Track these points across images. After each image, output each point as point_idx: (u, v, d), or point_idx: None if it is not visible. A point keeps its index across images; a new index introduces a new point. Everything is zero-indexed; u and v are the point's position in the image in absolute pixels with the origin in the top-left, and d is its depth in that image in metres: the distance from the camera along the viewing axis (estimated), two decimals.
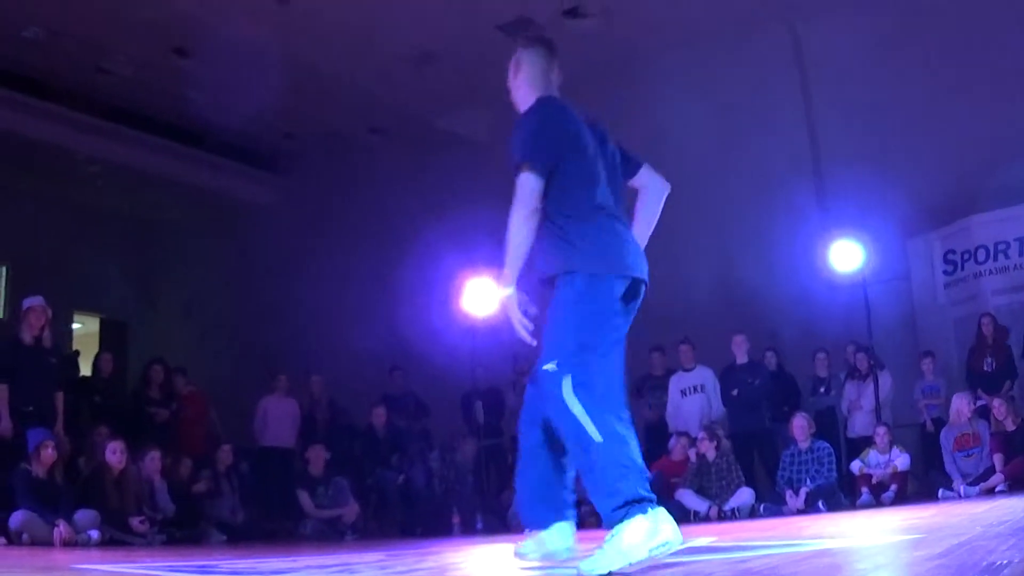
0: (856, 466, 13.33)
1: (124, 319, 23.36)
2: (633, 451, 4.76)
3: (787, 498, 12.90)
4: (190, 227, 23.83)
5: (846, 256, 14.67)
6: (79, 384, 14.86)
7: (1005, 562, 3.61)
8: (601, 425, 4.71)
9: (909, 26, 15.99)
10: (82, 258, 21.22)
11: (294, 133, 20.83)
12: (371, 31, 16.19)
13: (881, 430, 13.32)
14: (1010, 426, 12.68)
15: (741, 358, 14.56)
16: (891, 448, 13.23)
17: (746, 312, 15.79)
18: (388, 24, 16.04)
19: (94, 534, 10.92)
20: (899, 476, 13.00)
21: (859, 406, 14.49)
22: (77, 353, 17.61)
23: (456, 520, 13.96)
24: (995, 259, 15.12)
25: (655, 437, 14.98)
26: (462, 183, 17.34)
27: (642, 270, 5.11)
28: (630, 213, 5.38)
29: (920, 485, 13.77)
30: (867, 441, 13.66)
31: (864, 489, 12.97)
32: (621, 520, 4.57)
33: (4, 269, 21.21)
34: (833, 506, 12.63)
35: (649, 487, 4.67)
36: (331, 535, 13.50)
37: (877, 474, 13.10)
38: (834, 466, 13.14)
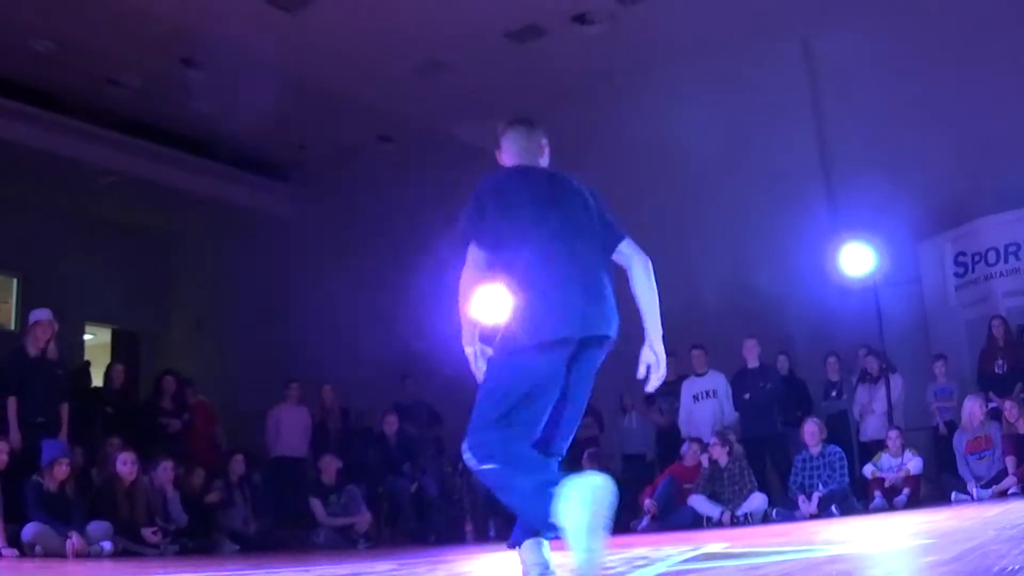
0: (868, 470, 13.31)
1: (136, 330, 23.40)
2: None
3: (799, 503, 12.87)
4: (202, 237, 23.86)
5: (857, 260, 14.66)
6: (91, 395, 14.89)
7: (1017, 567, 3.60)
8: None
9: (917, 31, 15.99)
10: (94, 269, 21.23)
11: (305, 143, 20.84)
12: (380, 41, 16.19)
13: (893, 434, 13.30)
14: (1022, 428, 12.65)
15: (753, 362, 14.54)
16: (903, 451, 13.20)
17: (758, 317, 15.77)
18: (397, 34, 16.03)
19: (106, 545, 10.95)
20: (912, 480, 12.96)
21: (871, 410, 14.45)
22: (88, 364, 17.63)
23: (469, 528, 13.97)
24: (1006, 261, 15.08)
25: (667, 443, 14.98)
26: (472, 191, 17.40)
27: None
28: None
29: (933, 488, 13.74)
30: (879, 445, 13.63)
31: (877, 493, 12.95)
32: None
33: (15, 281, 21.26)
34: (846, 510, 12.61)
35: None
36: (344, 544, 13.50)
37: (890, 478, 13.07)
38: (846, 470, 13.12)
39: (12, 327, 20.71)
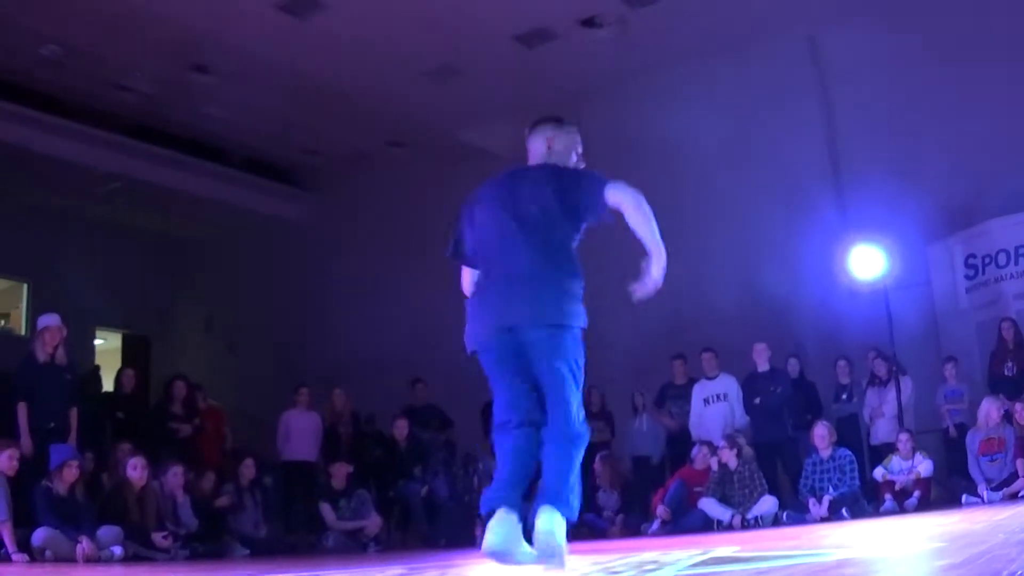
0: (879, 473, 13.27)
1: (147, 334, 23.44)
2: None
3: (810, 506, 12.85)
4: (212, 242, 23.90)
5: (867, 262, 14.67)
6: (101, 400, 14.90)
7: None
8: None
9: (925, 31, 15.98)
10: (104, 274, 21.28)
11: (315, 148, 20.89)
12: (390, 46, 16.21)
13: (904, 436, 13.27)
14: None
15: (763, 366, 14.51)
16: (914, 454, 13.17)
17: (768, 320, 15.75)
18: (407, 38, 16.06)
19: (117, 550, 10.94)
20: (922, 482, 12.93)
21: (880, 413, 14.41)
22: (98, 368, 17.66)
23: (479, 531, 13.93)
24: (1016, 263, 15.04)
25: (677, 446, 14.96)
26: None
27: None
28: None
29: (943, 491, 13.71)
30: (890, 448, 13.60)
31: (887, 496, 12.92)
32: None
33: (25, 286, 21.32)
34: (856, 513, 12.57)
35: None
36: (354, 548, 13.50)
37: (900, 481, 13.04)
38: (856, 473, 13.08)
39: (22, 332, 20.77)
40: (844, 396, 14.94)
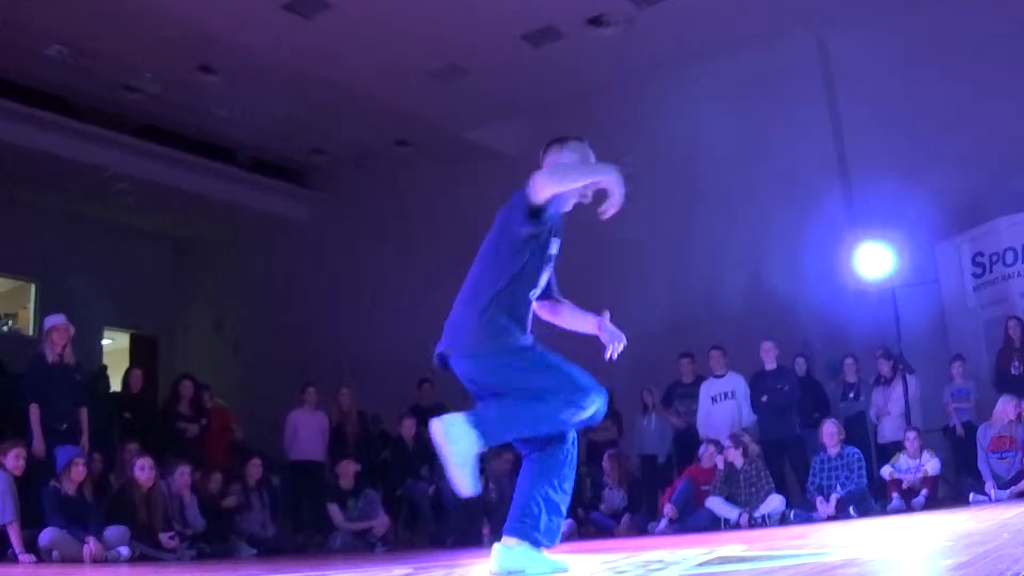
0: (886, 471, 13.26)
1: (154, 334, 23.48)
2: None
3: (817, 504, 12.83)
4: (220, 242, 23.94)
5: (875, 261, 14.67)
6: (108, 400, 14.92)
7: None
8: None
9: (933, 29, 15.99)
10: (112, 274, 21.33)
11: (322, 147, 20.87)
12: (396, 45, 16.20)
13: (911, 435, 13.25)
14: None
15: (770, 364, 14.50)
16: (921, 452, 13.15)
17: (776, 318, 15.75)
18: (413, 37, 16.04)
19: (124, 550, 10.96)
20: (930, 481, 12.92)
21: (886, 411, 14.41)
22: (104, 368, 17.68)
23: (486, 531, 13.94)
24: (1023, 261, 15.03)
25: (685, 445, 14.96)
26: (491, 195, 17.33)
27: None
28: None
29: (950, 489, 13.70)
30: (897, 446, 13.58)
31: (895, 494, 12.91)
32: None
33: (33, 287, 21.35)
34: (864, 512, 12.56)
35: None
36: (362, 547, 13.50)
37: (908, 479, 13.03)
38: (864, 472, 13.07)
39: (30, 332, 20.81)
40: (851, 395, 14.93)
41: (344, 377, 17.51)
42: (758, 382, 14.46)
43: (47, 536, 10.58)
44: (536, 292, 5.56)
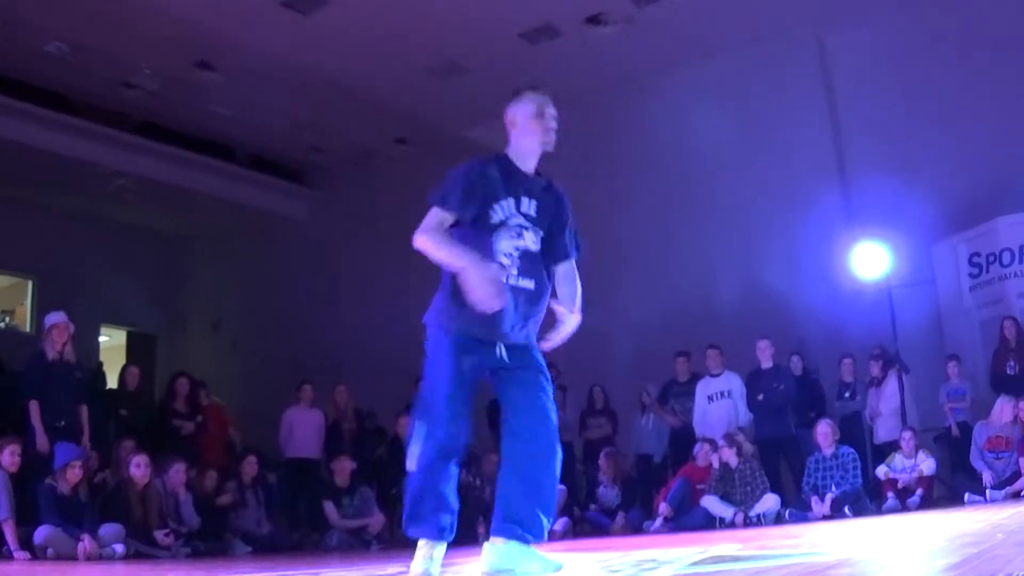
0: (882, 471, 13.27)
1: (152, 332, 23.48)
2: None
3: (812, 504, 12.84)
4: (217, 240, 23.94)
5: (871, 260, 14.68)
6: (104, 397, 14.91)
7: (1022, 573, 3.58)
8: None
9: (932, 30, 16.01)
10: (109, 271, 21.32)
11: (320, 145, 20.89)
12: (395, 42, 16.21)
13: (907, 435, 13.26)
14: None
15: (766, 363, 14.49)
16: (917, 452, 13.16)
17: (772, 317, 15.74)
18: (412, 35, 16.06)
19: (119, 548, 10.96)
20: (925, 481, 12.94)
21: (878, 412, 14.43)
22: (101, 365, 17.68)
23: (481, 529, 13.95)
24: (1020, 262, 15.01)
25: (680, 443, 14.96)
26: None
27: None
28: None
29: (946, 489, 13.71)
30: (893, 446, 13.60)
31: (890, 494, 12.92)
32: None
33: (31, 283, 21.35)
34: (859, 512, 12.56)
35: None
36: (357, 545, 13.50)
37: (903, 479, 13.04)
38: (859, 471, 13.08)
39: (27, 329, 20.82)
40: (847, 394, 14.94)
41: (340, 375, 17.51)
42: (754, 381, 14.45)
43: (42, 533, 10.57)
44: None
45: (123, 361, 18.39)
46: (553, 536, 12.99)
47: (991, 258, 15.36)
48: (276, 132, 20.03)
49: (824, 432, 13.20)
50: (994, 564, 4.07)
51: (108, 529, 11.09)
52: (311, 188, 22.60)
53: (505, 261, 5.28)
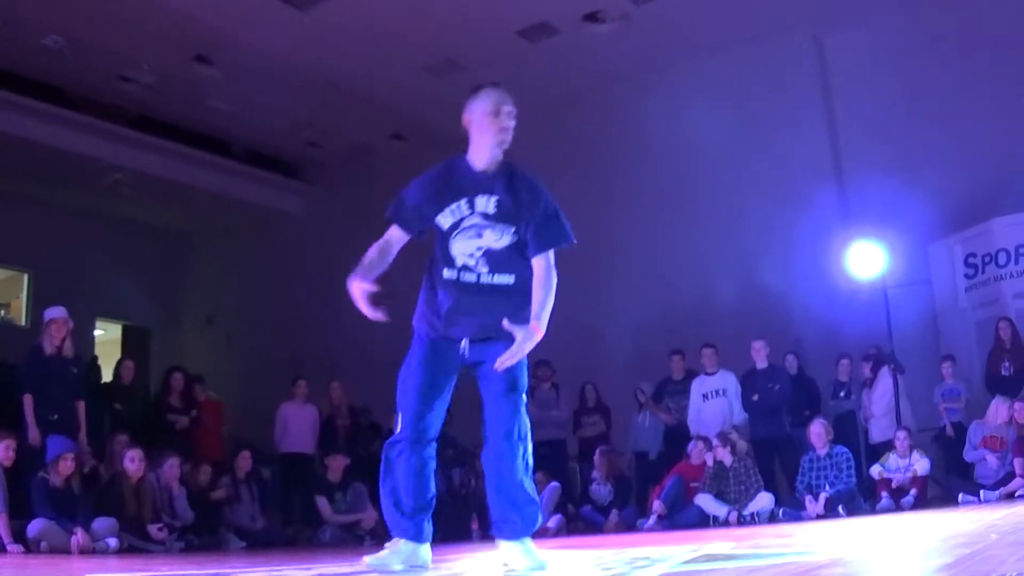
0: (876, 471, 13.27)
1: (147, 326, 23.47)
2: None
3: (806, 503, 12.84)
4: (214, 234, 23.95)
5: (867, 260, 14.67)
6: (99, 391, 14.89)
7: (1015, 574, 3.58)
8: None
9: (929, 30, 16.02)
10: (105, 265, 21.32)
11: (317, 141, 20.87)
12: (393, 39, 16.21)
13: (901, 434, 13.26)
14: None
15: (761, 363, 14.49)
16: (911, 452, 13.17)
17: (768, 317, 15.75)
18: (410, 32, 16.06)
19: (112, 542, 10.94)
20: (919, 481, 12.93)
21: (870, 412, 14.44)
22: (95, 359, 17.67)
23: (475, 526, 13.95)
24: (1016, 262, 15.03)
25: (675, 441, 14.96)
26: None
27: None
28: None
29: (940, 489, 13.71)
30: (887, 446, 13.60)
31: (884, 494, 12.92)
32: None
33: (26, 277, 21.33)
34: (853, 511, 12.57)
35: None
36: (350, 541, 13.50)
37: (897, 479, 13.04)
38: (853, 471, 13.08)
39: (23, 323, 20.81)
40: (842, 394, 14.94)
41: (335, 370, 17.51)
42: (749, 381, 14.45)
43: (35, 527, 10.57)
44: (456, 266, 5.48)
45: (118, 355, 18.39)
46: (546, 533, 13.04)
47: (987, 259, 15.37)
48: (273, 128, 20.02)
49: (817, 432, 13.19)
50: (987, 565, 4.07)
51: (101, 523, 11.08)
52: (308, 184, 22.59)
53: (469, 262, 5.41)
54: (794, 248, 15.99)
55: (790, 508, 12.99)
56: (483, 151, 5.56)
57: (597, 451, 14.75)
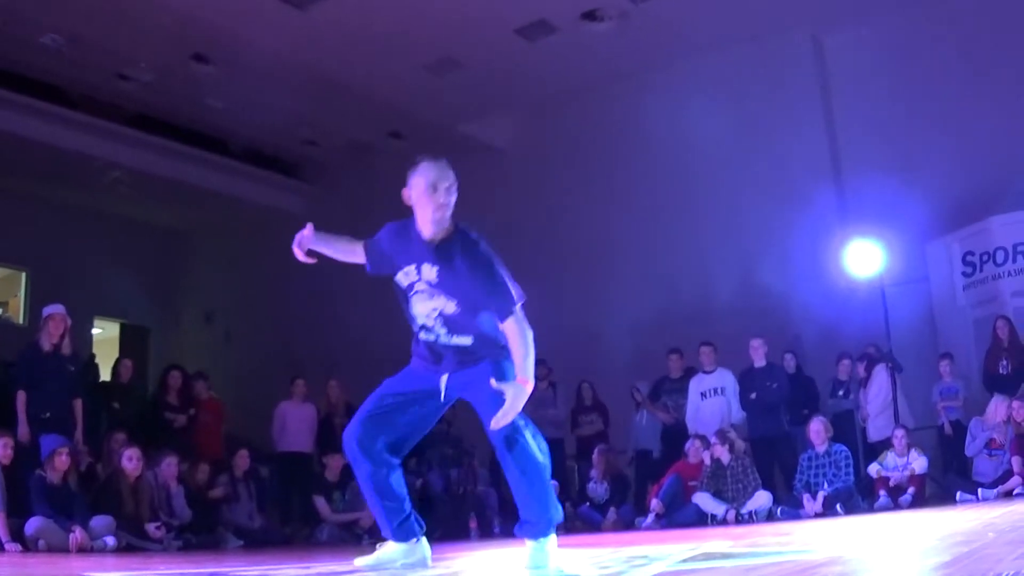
0: (874, 469, 13.27)
1: (145, 324, 23.46)
2: None
3: (804, 502, 12.84)
4: (212, 233, 23.94)
5: (865, 259, 14.66)
6: (97, 389, 14.90)
7: (1012, 572, 3.57)
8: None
9: (928, 29, 16.03)
10: (103, 264, 21.31)
11: (316, 139, 20.85)
12: (391, 37, 16.18)
13: (899, 433, 13.26)
14: None
15: (759, 361, 14.49)
16: (909, 451, 13.16)
17: (766, 315, 15.75)
18: (408, 30, 16.03)
19: (110, 540, 10.95)
20: (917, 479, 12.93)
21: (867, 412, 14.45)
22: (93, 357, 17.66)
23: (473, 524, 13.96)
24: (1014, 261, 15.03)
25: (672, 440, 14.96)
26: (484, 189, 17.28)
27: None
28: None
29: (938, 488, 13.71)
30: (885, 444, 13.60)
31: (882, 492, 12.92)
32: None
33: (24, 275, 21.32)
34: (851, 509, 12.58)
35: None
36: (348, 540, 13.50)
37: (895, 477, 13.04)
38: (851, 469, 13.10)
39: (21, 321, 20.80)
40: (840, 392, 14.94)
41: (333, 369, 17.50)
42: (747, 379, 14.45)
43: (33, 525, 10.56)
44: (418, 325, 5.66)
45: (116, 353, 18.39)
46: None
47: (985, 257, 15.37)
48: (272, 126, 20.00)
49: (817, 429, 13.20)
50: (984, 563, 4.07)
51: (99, 521, 11.09)
52: (306, 182, 22.57)
53: (427, 322, 5.58)
54: (792, 247, 15.99)
55: (788, 507, 12.99)
56: (425, 223, 5.63)
57: (595, 450, 14.75)
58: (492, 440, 5.38)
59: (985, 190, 15.45)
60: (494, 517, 14.34)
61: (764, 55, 17.20)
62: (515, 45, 16.71)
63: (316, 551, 11.65)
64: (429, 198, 5.60)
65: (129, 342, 22.70)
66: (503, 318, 5.40)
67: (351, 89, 18.06)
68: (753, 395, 14.30)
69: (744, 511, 12.91)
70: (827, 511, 12.56)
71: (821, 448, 13.15)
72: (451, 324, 5.53)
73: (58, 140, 18.15)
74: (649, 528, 13.08)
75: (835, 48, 17.24)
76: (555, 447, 15.61)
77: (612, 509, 14.10)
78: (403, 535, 5.76)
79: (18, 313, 21.46)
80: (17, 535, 10.51)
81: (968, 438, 13.28)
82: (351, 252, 6.08)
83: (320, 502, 13.91)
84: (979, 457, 13.12)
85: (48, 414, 11.74)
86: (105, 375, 16.10)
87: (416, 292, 5.56)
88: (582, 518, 14.28)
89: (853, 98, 17.01)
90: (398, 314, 5.82)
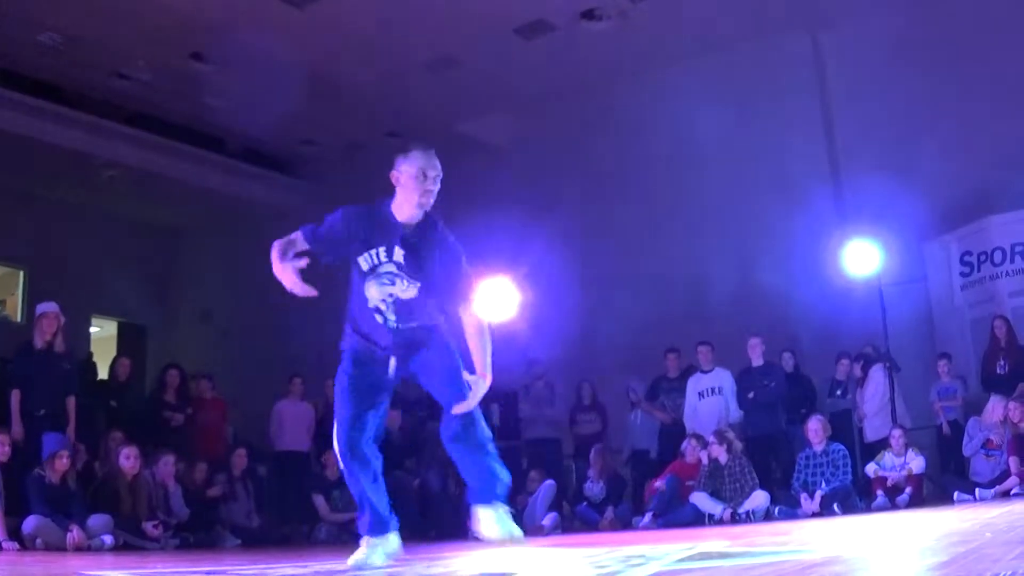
0: (871, 469, 13.28)
1: (143, 323, 23.44)
2: None
3: (802, 501, 12.85)
4: (209, 231, 23.90)
5: (863, 258, 14.64)
6: (95, 388, 14.89)
7: (1010, 572, 3.57)
8: None
9: (926, 28, 16.00)
10: (100, 262, 21.28)
11: (313, 138, 20.83)
12: (389, 36, 16.18)
13: (896, 432, 13.27)
14: None
15: (757, 360, 14.50)
16: (906, 451, 13.17)
17: (763, 314, 15.75)
18: (406, 29, 16.03)
19: (107, 539, 10.96)
20: (914, 479, 12.94)
21: (863, 412, 14.45)
22: (91, 355, 17.64)
23: (470, 523, 13.95)
24: (1012, 261, 15.05)
25: (669, 439, 14.96)
26: (480, 186, 17.28)
27: None
28: None
29: (935, 488, 13.72)
30: (883, 444, 13.60)
31: (879, 492, 12.92)
32: None
33: (22, 273, 21.30)
34: (848, 509, 12.58)
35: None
36: (346, 538, 13.49)
37: (892, 477, 13.05)
38: (849, 469, 13.10)
39: (18, 319, 20.78)
40: (838, 392, 14.95)
41: (331, 368, 17.47)
42: (745, 379, 14.47)
43: (31, 524, 10.58)
44: (368, 308, 5.93)
45: (114, 352, 18.38)
46: (542, 531, 13.04)
47: (983, 257, 15.38)
48: (268, 124, 19.96)
49: (815, 428, 13.21)
50: (982, 563, 4.07)
51: (97, 520, 11.10)
52: (304, 181, 22.54)
53: (380, 306, 5.85)
54: (790, 246, 15.98)
55: (785, 506, 12.99)
56: (406, 208, 5.86)
57: (593, 449, 14.75)
58: (451, 420, 5.74)
59: (983, 190, 15.46)
60: None
61: (762, 55, 17.18)
62: (514, 44, 16.70)
63: (314, 550, 11.65)
64: (418, 184, 5.80)
65: (127, 341, 22.68)
66: (468, 305, 5.72)
67: (349, 88, 18.06)
68: (751, 394, 14.31)
69: (741, 511, 12.91)
70: (824, 511, 12.57)
71: (819, 447, 13.16)
72: (404, 310, 5.81)
73: (56, 138, 18.13)
74: (646, 527, 13.08)
75: (834, 48, 17.23)
76: (553, 446, 15.65)
77: (609, 508, 14.09)
78: (383, 529, 6.24)
79: (15, 311, 21.43)
80: (14, 534, 10.52)
81: (965, 438, 13.30)
82: (291, 247, 6.40)
83: (319, 501, 13.91)
84: (976, 457, 13.15)
85: (43, 411, 11.77)
86: (103, 374, 16.07)
87: (377, 275, 5.82)
88: (579, 517, 14.28)
89: (851, 97, 17.01)
90: None
